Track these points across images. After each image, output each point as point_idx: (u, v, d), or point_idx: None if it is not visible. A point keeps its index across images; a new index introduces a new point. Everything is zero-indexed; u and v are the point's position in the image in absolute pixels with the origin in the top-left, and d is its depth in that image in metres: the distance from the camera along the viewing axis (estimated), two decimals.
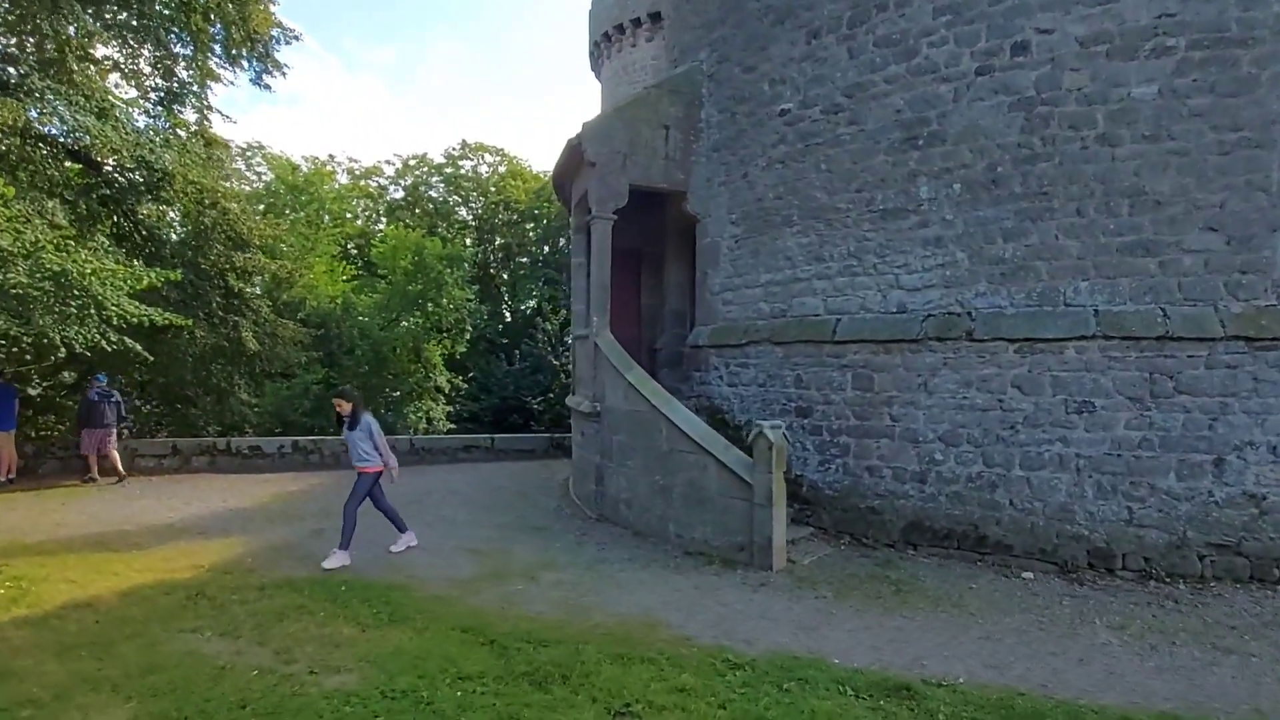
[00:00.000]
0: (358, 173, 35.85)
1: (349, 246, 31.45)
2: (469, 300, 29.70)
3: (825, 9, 7.97)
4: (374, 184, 37.03)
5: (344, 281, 27.13)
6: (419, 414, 26.87)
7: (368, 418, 7.00)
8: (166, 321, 11.21)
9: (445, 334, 28.53)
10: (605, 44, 29.42)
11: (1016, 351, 6.58)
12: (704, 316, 9.77)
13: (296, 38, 16.06)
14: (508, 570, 6.84)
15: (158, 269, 10.74)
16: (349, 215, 32.74)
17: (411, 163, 37.42)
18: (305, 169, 29.91)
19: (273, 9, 15.10)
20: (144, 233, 14.17)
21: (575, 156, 9.74)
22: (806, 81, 8.18)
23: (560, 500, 10.71)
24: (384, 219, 36.63)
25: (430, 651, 4.63)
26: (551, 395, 36.14)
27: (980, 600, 5.88)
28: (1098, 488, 6.26)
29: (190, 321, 12.27)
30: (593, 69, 31.66)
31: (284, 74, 16.56)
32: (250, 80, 16.30)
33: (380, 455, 6.97)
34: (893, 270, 7.38)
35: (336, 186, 32.00)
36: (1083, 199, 6.42)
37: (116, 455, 11.48)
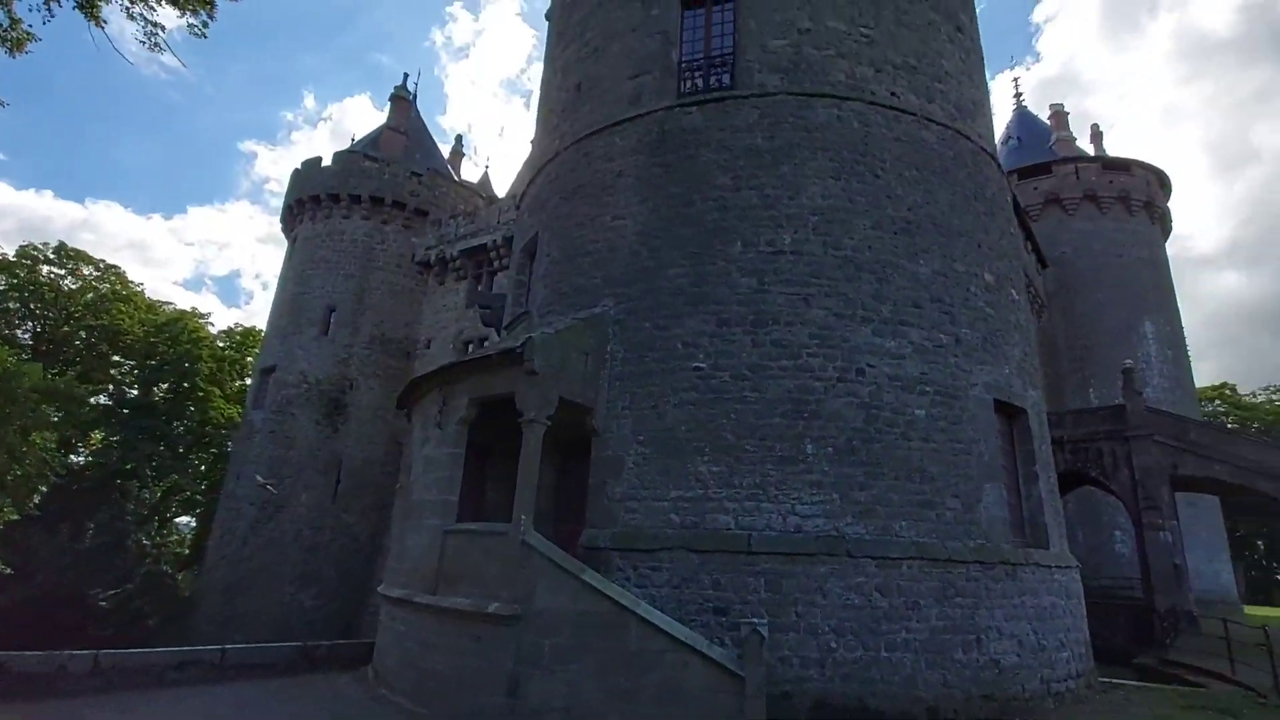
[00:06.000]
0: None
1: None
2: (51, 449, 22.39)
3: (734, 310, 11.20)
4: None
5: None
6: None
7: None
8: None
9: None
10: (312, 205, 28.59)
11: (876, 566, 9.83)
12: (599, 520, 10.86)
13: None
14: None
15: None
16: None
17: None
18: None
19: None
20: None
21: (505, 363, 10.46)
22: (717, 351, 11.03)
23: None
24: None
25: None
26: (130, 587, 27.67)
27: None
28: (927, 661, 9.56)
29: None
30: (283, 223, 29.91)
31: None
32: None
33: None
34: (789, 500, 10.17)
35: None
36: (898, 471, 10.43)
37: None
